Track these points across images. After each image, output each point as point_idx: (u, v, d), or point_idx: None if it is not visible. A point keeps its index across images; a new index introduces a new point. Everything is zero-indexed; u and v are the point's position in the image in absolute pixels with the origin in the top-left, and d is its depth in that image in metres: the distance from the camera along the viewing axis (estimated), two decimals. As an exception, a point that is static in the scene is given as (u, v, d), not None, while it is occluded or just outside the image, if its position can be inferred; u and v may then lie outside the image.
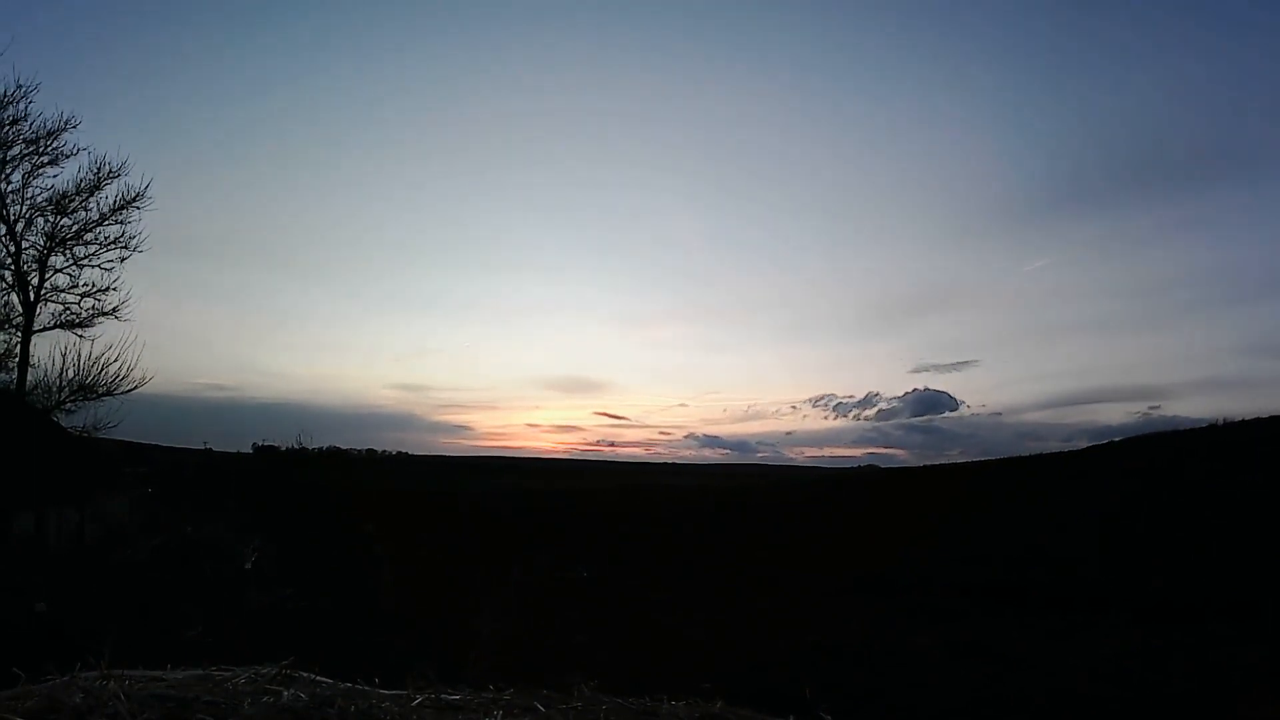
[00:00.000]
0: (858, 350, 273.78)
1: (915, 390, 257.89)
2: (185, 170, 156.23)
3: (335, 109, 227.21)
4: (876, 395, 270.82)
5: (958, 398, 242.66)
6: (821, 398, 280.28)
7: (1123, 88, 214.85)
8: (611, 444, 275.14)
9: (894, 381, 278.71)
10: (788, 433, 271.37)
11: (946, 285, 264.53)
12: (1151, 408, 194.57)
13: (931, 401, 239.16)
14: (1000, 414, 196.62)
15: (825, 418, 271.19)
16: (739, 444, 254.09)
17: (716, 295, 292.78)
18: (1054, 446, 40.20)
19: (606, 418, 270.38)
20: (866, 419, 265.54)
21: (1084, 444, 36.81)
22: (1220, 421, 31.32)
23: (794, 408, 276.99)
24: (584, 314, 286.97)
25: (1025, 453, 39.04)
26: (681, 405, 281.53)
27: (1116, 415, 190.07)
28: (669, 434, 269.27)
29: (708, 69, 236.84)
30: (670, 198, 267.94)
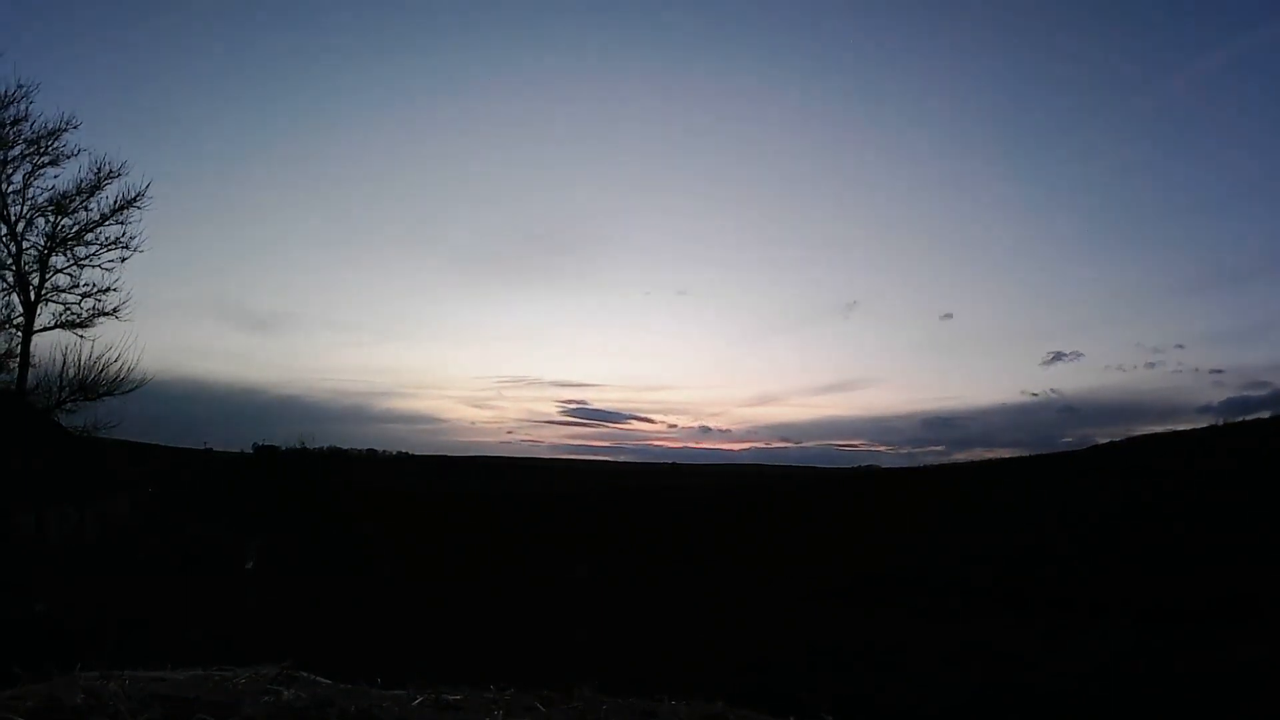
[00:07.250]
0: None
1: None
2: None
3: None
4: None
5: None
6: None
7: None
8: (607, 439, 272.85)
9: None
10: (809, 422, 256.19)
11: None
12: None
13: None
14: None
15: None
16: (745, 434, 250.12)
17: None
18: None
19: (602, 411, 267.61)
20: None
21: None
22: (1221, 422, 32.21)
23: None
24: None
25: (1026, 453, 39.42)
26: (686, 393, 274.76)
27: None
28: (672, 426, 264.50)
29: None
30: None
